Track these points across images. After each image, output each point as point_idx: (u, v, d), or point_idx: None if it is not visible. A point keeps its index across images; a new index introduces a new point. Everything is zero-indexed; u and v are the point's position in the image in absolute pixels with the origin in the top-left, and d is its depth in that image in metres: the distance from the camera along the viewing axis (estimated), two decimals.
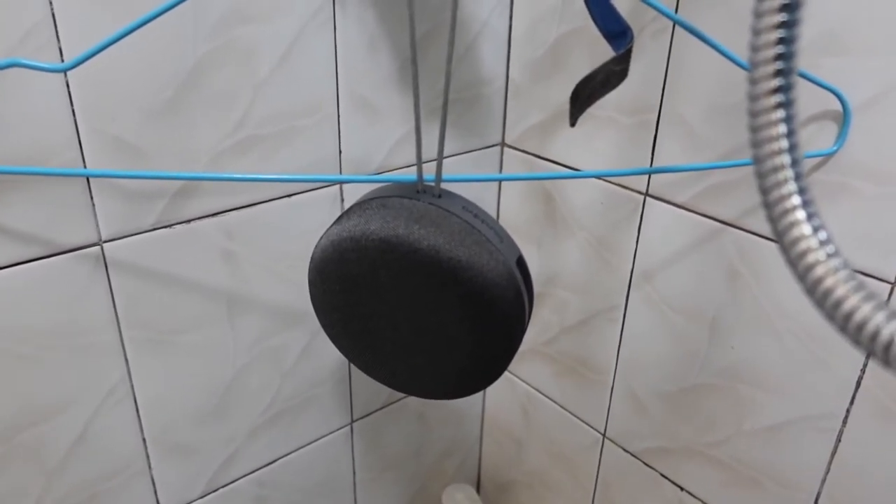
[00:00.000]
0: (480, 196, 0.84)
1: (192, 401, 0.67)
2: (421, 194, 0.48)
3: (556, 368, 0.85)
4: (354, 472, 0.87)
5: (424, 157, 0.74)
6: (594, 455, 0.84)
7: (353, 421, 0.83)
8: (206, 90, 0.57)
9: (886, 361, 0.26)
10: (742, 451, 0.67)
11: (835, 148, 0.53)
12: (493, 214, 0.86)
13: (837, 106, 0.52)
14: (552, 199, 0.78)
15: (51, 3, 0.47)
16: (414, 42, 0.42)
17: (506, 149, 0.82)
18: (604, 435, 0.82)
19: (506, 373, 0.93)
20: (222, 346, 0.67)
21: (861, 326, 0.26)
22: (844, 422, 0.59)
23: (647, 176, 0.68)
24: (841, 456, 0.60)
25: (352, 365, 0.79)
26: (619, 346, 0.76)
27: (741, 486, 0.68)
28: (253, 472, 0.75)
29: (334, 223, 0.49)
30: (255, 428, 0.73)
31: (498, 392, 0.96)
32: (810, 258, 0.27)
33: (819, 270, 0.27)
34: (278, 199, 0.65)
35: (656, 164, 0.66)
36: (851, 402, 0.58)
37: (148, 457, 0.66)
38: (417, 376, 0.52)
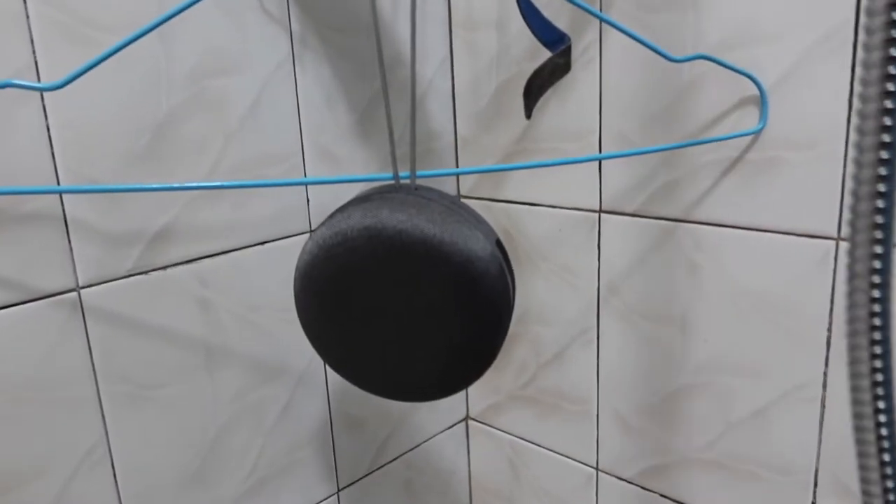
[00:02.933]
0: None
1: (172, 463, 0.63)
2: (399, 189, 0.51)
3: (537, 410, 0.85)
4: None
5: None
6: (590, 493, 0.82)
7: (339, 490, 0.79)
8: (180, 138, 0.60)
9: None
10: (734, 446, 0.68)
11: (760, 126, 0.59)
12: None
13: (755, 90, 0.59)
14: (512, 236, 0.82)
15: (33, 49, 0.51)
16: (379, 42, 0.47)
17: (462, 199, 0.87)
18: (596, 468, 0.81)
19: (487, 427, 0.92)
20: (201, 401, 0.65)
21: None
22: (824, 386, 0.61)
23: (598, 194, 0.73)
24: (829, 423, 0.61)
25: (334, 427, 0.77)
26: (598, 369, 0.77)
27: (741, 483, 0.68)
28: None
29: (317, 228, 0.51)
30: (239, 497, 0.69)
31: (482, 450, 0.94)
32: None
33: None
34: (252, 246, 0.67)
35: (605, 181, 0.72)
36: (826, 364, 0.60)
37: None
38: (411, 373, 0.52)
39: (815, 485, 0.63)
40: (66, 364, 0.55)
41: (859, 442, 0.28)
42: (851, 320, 0.27)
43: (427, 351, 0.50)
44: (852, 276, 0.27)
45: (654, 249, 0.70)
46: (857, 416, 0.28)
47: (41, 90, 0.47)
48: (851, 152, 0.32)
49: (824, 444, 0.62)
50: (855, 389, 0.28)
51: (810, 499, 0.64)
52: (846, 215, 0.55)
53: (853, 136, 0.27)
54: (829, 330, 0.60)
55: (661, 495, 0.75)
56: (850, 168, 0.52)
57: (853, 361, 0.28)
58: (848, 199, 0.46)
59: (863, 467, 0.28)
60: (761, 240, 0.62)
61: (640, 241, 0.70)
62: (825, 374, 0.61)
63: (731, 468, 0.69)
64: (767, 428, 0.65)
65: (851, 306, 0.28)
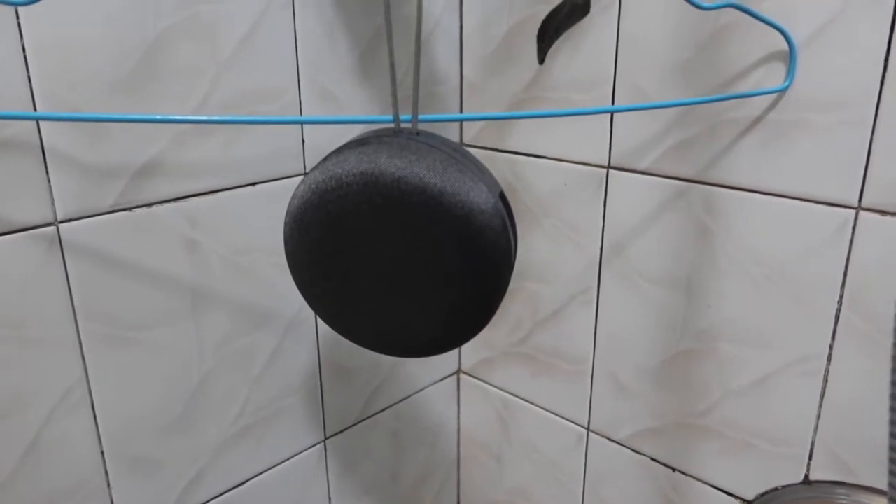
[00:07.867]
0: None
1: (154, 407, 0.62)
2: (398, 133, 0.47)
3: (532, 368, 0.83)
4: (330, 499, 0.81)
5: None
6: (579, 453, 0.81)
7: (325, 438, 0.78)
8: (169, 64, 0.56)
9: None
10: (731, 415, 0.66)
11: (786, 84, 0.56)
12: None
13: (784, 45, 0.56)
14: (515, 189, 0.79)
15: None
16: None
17: (465, 148, 0.83)
18: (588, 429, 0.80)
19: (479, 382, 0.91)
20: (187, 346, 0.63)
21: None
22: (829, 360, 0.59)
23: (608, 149, 0.69)
24: (830, 397, 0.60)
25: (323, 376, 0.76)
26: (596, 330, 0.75)
27: (735, 452, 0.67)
28: (222, 494, 0.69)
29: (310, 171, 0.48)
30: (223, 442, 0.68)
31: (472, 405, 0.93)
32: None
33: None
34: (243, 186, 0.63)
35: (615, 135, 0.68)
36: (833, 338, 0.58)
37: (106, 473, 0.60)
38: (403, 329, 0.49)
39: (810, 458, 0.62)
40: (44, 301, 0.53)
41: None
42: None
43: (421, 307, 0.48)
44: None
45: (663, 210, 0.67)
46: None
47: (15, 5, 0.43)
48: None
49: (823, 418, 0.60)
50: None
51: (804, 471, 0.63)
52: None
53: None
54: (840, 302, 0.57)
55: (652, 459, 0.74)
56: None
57: None
58: None
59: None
60: (777, 205, 0.59)
61: (649, 200, 0.67)
62: (831, 347, 0.59)
63: (725, 436, 0.67)
64: (767, 398, 0.64)
65: None
